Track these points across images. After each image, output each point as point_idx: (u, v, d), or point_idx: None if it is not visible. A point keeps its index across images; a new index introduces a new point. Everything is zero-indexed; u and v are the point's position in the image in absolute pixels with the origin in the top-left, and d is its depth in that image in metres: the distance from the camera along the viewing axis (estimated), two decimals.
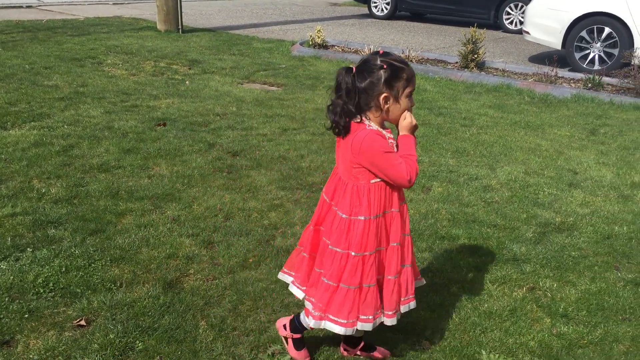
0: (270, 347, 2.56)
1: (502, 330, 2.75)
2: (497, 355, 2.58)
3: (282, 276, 2.53)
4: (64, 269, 2.99)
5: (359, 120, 2.18)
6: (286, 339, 2.53)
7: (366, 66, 2.18)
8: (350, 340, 2.53)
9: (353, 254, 2.22)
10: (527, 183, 4.51)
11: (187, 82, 7.02)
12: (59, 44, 8.60)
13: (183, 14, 10.68)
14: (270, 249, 3.35)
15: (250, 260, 3.22)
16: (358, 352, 2.54)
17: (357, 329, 2.28)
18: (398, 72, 2.15)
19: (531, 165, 4.90)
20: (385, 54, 2.19)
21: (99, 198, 3.81)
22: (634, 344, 2.71)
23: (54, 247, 3.19)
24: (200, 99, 6.30)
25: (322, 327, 2.31)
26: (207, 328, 2.64)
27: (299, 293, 2.42)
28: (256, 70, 7.90)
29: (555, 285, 3.15)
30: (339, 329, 2.26)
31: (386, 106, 2.17)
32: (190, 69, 7.74)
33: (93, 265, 3.06)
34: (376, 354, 2.56)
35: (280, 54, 9.10)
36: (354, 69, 2.18)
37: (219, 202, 3.88)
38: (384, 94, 2.15)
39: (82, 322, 2.62)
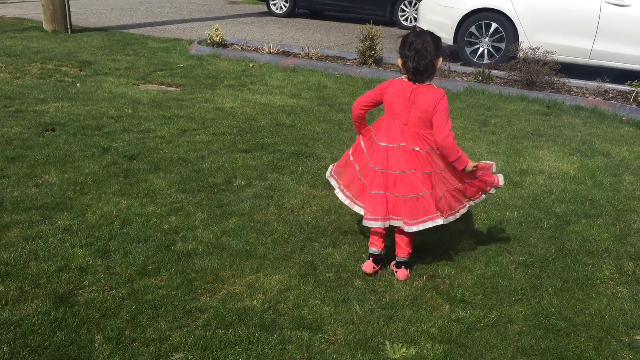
0: (172, 356, 2.47)
1: (405, 319, 2.81)
2: (400, 344, 2.63)
3: (377, 224, 3.07)
4: None
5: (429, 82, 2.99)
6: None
7: (435, 37, 2.98)
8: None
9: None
10: None
11: (77, 84, 6.68)
12: None
13: (72, 12, 10.19)
14: (170, 254, 3.24)
15: (150, 267, 3.10)
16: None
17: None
18: None
19: None
20: None
21: None
22: (526, 323, 2.85)
23: None
24: (93, 101, 6.02)
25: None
26: (103, 342, 2.51)
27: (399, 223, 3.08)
28: (153, 70, 7.65)
29: (453, 272, 3.27)
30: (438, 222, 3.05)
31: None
32: (81, 70, 7.37)
33: None
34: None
35: (177, 53, 8.87)
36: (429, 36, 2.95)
37: (115, 208, 3.71)
38: (440, 59, 3.01)
39: None
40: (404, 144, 3.00)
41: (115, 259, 3.15)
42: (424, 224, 3.03)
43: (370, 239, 3.22)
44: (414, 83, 2.96)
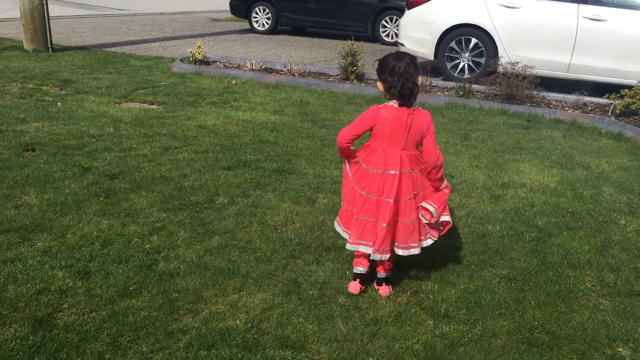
0: None
1: (389, 336, 2.80)
2: None
3: (370, 249, 3.07)
4: None
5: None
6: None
7: (412, 57, 2.98)
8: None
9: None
10: None
11: (58, 103, 6.63)
12: None
13: (53, 32, 10.15)
14: (152, 274, 3.21)
15: (131, 288, 3.06)
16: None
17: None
18: None
19: None
20: None
21: None
22: (509, 337, 2.85)
23: None
24: (74, 120, 5.98)
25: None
26: None
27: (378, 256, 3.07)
28: (134, 88, 7.63)
29: (436, 287, 3.27)
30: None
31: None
32: (62, 89, 7.33)
33: None
34: None
35: (159, 71, 8.85)
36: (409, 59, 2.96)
37: (96, 229, 3.67)
38: (420, 78, 2.99)
39: None
40: (400, 171, 3.00)
41: (96, 280, 3.11)
42: (359, 246, 3.10)
43: (355, 259, 3.20)
44: (407, 108, 2.95)
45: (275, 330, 2.81)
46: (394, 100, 2.96)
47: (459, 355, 2.70)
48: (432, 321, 2.95)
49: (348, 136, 3.06)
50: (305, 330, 2.81)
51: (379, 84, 3.04)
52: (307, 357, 2.63)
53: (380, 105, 3.01)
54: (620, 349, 2.81)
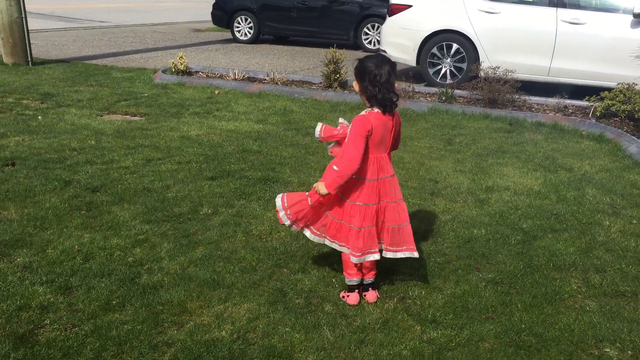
0: None
1: (376, 343, 2.78)
2: None
3: (378, 255, 3.07)
4: None
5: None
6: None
7: (392, 63, 2.95)
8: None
9: None
10: None
11: (39, 117, 6.56)
12: None
13: (33, 45, 10.09)
14: (135, 287, 3.16)
15: (114, 302, 3.01)
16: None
17: None
18: None
19: None
20: None
21: None
22: (497, 341, 2.85)
23: None
24: (55, 134, 5.91)
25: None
26: None
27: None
28: (116, 100, 7.57)
29: (423, 292, 3.25)
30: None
31: None
32: (42, 103, 7.25)
33: None
34: None
35: (142, 82, 8.80)
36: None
37: (77, 242, 3.62)
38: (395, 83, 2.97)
39: None
40: (393, 174, 3.11)
41: (78, 295, 3.06)
42: (367, 255, 3.07)
43: (365, 272, 3.18)
44: (391, 114, 2.98)
45: (261, 340, 2.77)
46: (376, 108, 2.95)
47: (447, 359, 2.69)
48: (419, 327, 2.93)
49: (359, 156, 2.92)
50: (292, 339, 2.79)
51: (355, 85, 3.01)
52: None
53: (366, 114, 2.95)
54: (607, 350, 2.81)
